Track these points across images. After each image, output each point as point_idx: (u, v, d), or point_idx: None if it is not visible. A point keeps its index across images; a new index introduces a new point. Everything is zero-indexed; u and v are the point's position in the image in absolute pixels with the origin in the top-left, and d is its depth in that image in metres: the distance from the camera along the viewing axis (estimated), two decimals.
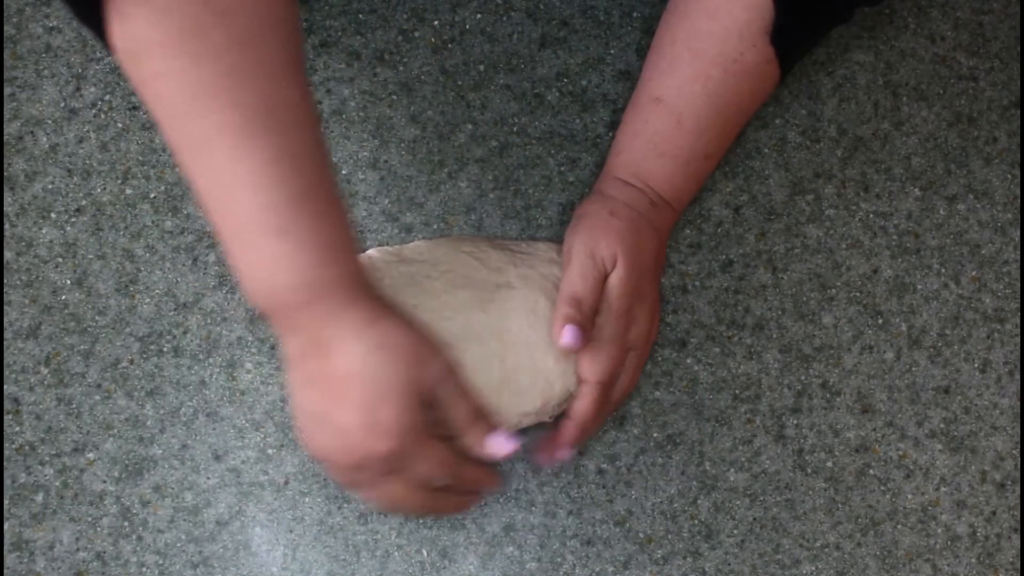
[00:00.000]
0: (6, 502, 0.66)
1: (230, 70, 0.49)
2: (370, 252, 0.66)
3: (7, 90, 0.68)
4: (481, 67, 0.70)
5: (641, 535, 0.68)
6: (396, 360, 0.54)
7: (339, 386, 0.54)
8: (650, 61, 0.65)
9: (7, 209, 0.68)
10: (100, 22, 0.49)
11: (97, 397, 0.67)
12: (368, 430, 0.54)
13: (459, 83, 0.70)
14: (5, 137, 0.68)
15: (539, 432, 0.66)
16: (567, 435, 0.63)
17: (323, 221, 0.52)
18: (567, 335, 0.59)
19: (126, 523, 0.67)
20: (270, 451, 0.67)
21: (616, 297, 0.62)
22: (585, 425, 0.62)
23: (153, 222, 0.68)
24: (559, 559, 0.68)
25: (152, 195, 0.68)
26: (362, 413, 0.53)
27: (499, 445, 0.58)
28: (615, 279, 0.62)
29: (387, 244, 0.69)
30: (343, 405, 0.54)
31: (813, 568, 0.69)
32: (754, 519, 0.69)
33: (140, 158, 0.69)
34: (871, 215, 0.72)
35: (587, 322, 0.60)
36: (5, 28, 0.69)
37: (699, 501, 0.69)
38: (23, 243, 0.68)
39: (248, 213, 0.51)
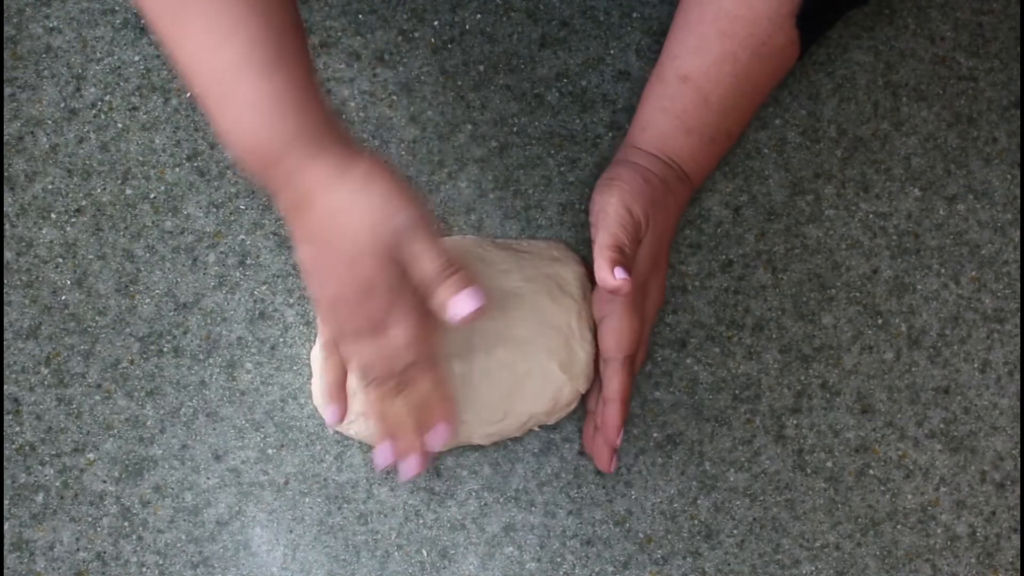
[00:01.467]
0: (6, 502, 0.66)
1: None
2: None
3: (7, 90, 0.68)
4: (481, 67, 0.70)
5: (641, 535, 0.68)
6: (370, 209, 0.54)
7: (324, 241, 0.55)
8: (675, 37, 0.65)
9: (7, 209, 0.68)
10: None
11: (97, 397, 0.67)
12: (353, 285, 0.55)
13: (459, 83, 0.70)
14: (5, 137, 0.68)
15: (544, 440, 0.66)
16: (615, 419, 0.63)
17: (275, 77, 0.53)
18: (619, 273, 0.58)
19: (126, 523, 0.67)
20: (270, 451, 0.67)
21: (639, 264, 0.62)
22: (626, 399, 0.63)
23: (153, 222, 0.68)
24: (559, 559, 0.68)
25: (152, 195, 0.68)
26: (347, 268, 0.54)
27: (463, 304, 0.54)
28: (641, 247, 0.62)
29: None
30: (328, 260, 0.55)
31: (813, 568, 0.69)
32: (754, 519, 0.69)
33: (140, 158, 0.69)
34: (871, 215, 0.72)
35: (630, 265, 0.60)
36: (5, 28, 0.69)
37: (699, 501, 0.69)
38: (23, 243, 0.68)
39: (207, 73, 0.53)
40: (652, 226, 0.63)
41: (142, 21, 0.69)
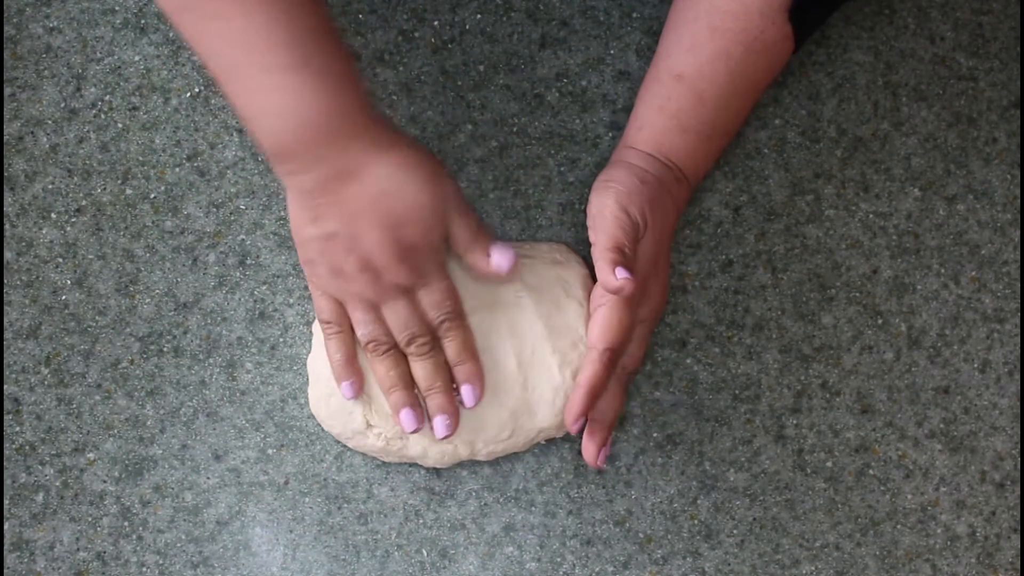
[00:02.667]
0: (6, 502, 0.66)
1: None
2: None
3: (7, 90, 0.68)
4: (481, 67, 0.70)
5: (641, 535, 0.68)
6: (419, 180, 0.59)
7: (366, 208, 0.58)
8: (669, 37, 0.65)
9: (7, 209, 0.68)
10: None
11: (97, 397, 0.67)
12: (394, 247, 0.59)
13: (459, 83, 0.70)
14: (5, 137, 0.68)
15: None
16: (575, 405, 0.61)
17: (334, 55, 0.58)
18: (621, 273, 0.59)
19: (126, 523, 0.67)
20: (270, 451, 0.67)
21: (639, 265, 0.62)
22: (593, 390, 0.61)
23: (153, 222, 0.68)
24: (559, 559, 0.68)
25: (152, 195, 0.68)
26: (389, 231, 0.58)
27: (504, 257, 0.61)
28: (640, 248, 0.62)
29: None
30: (370, 225, 0.58)
31: (813, 568, 0.69)
32: (754, 519, 0.69)
33: (140, 158, 0.69)
34: (871, 215, 0.72)
35: (632, 266, 0.60)
36: (5, 28, 0.69)
37: (699, 501, 0.69)
38: (23, 243, 0.68)
39: (264, 53, 0.56)
40: (652, 227, 0.62)
41: (142, 21, 0.69)
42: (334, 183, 0.58)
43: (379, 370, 0.63)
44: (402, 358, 0.63)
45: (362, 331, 0.62)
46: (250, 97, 0.57)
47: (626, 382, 0.64)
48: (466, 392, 0.63)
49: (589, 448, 0.63)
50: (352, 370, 0.63)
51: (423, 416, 0.63)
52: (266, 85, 0.56)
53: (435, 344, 0.62)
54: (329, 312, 0.63)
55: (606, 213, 0.61)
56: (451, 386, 0.63)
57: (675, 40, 0.65)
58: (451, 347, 0.63)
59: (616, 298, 0.61)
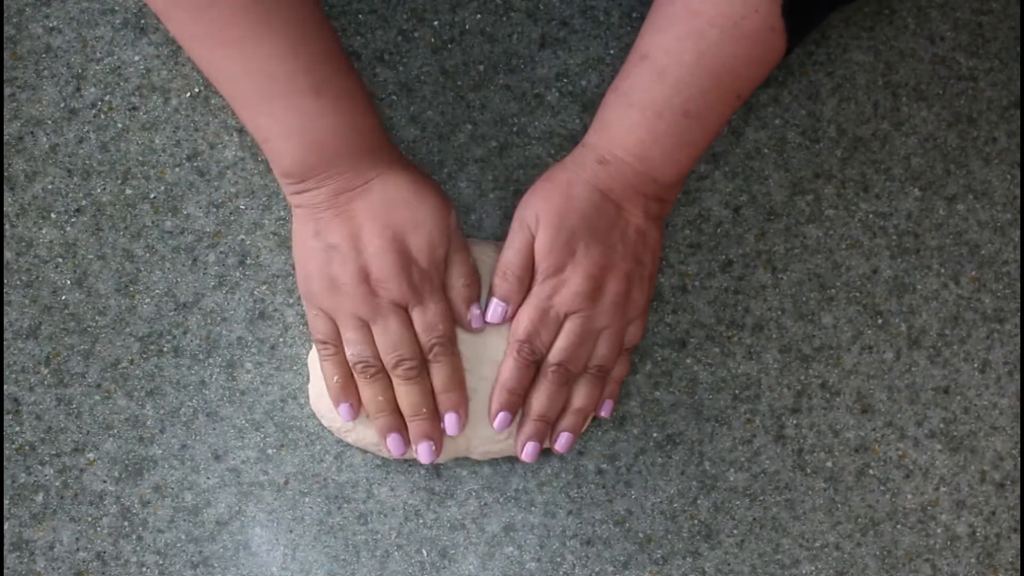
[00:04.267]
0: (6, 502, 0.66)
1: None
2: None
3: (7, 90, 0.68)
4: (481, 67, 0.70)
5: (641, 535, 0.68)
6: (428, 196, 0.61)
7: (371, 218, 0.59)
8: (646, 20, 0.63)
9: (7, 209, 0.68)
10: None
11: (97, 397, 0.67)
12: (395, 256, 0.59)
13: (459, 83, 0.70)
14: (5, 137, 0.68)
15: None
16: (494, 400, 0.64)
17: (347, 78, 0.59)
18: (491, 308, 0.63)
19: (126, 523, 0.67)
20: (270, 451, 0.67)
21: (540, 259, 0.63)
22: (505, 384, 0.63)
23: (153, 222, 0.68)
24: (559, 559, 0.68)
25: (152, 195, 0.68)
26: (393, 240, 0.59)
27: (479, 320, 0.63)
28: (537, 242, 0.63)
29: None
30: (373, 234, 0.59)
31: (813, 568, 0.69)
32: (754, 519, 0.69)
33: (140, 158, 0.69)
34: (871, 215, 0.72)
35: (512, 289, 0.63)
36: (5, 28, 0.69)
37: (699, 501, 0.69)
38: (23, 243, 0.68)
39: (281, 80, 0.57)
40: (545, 220, 0.62)
41: (142, 21, 0.69)
42: (342, 197, 0.60)
43: (366, 393, 0.62)
44: (390, 382, 0.62)
45: (352, 351, 0.61)
46: (267, 121, 0.58)
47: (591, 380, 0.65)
48: (450, 421, 0.63)
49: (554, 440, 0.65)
50: (350, 392, 0.63)
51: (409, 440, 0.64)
52: (283, 109, 0.58)
53: (422, 369, 0.62)
54: (325, 332, 0.62)
55: (511, 227, 0.64)
56: (435, 412, 0.63)
57: (651, 22, 0.62)
58: (439, 374, 0.62)
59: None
